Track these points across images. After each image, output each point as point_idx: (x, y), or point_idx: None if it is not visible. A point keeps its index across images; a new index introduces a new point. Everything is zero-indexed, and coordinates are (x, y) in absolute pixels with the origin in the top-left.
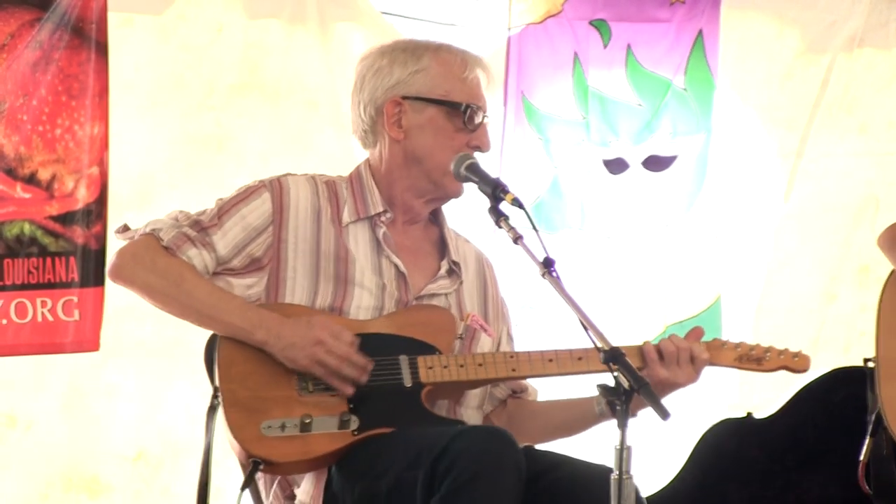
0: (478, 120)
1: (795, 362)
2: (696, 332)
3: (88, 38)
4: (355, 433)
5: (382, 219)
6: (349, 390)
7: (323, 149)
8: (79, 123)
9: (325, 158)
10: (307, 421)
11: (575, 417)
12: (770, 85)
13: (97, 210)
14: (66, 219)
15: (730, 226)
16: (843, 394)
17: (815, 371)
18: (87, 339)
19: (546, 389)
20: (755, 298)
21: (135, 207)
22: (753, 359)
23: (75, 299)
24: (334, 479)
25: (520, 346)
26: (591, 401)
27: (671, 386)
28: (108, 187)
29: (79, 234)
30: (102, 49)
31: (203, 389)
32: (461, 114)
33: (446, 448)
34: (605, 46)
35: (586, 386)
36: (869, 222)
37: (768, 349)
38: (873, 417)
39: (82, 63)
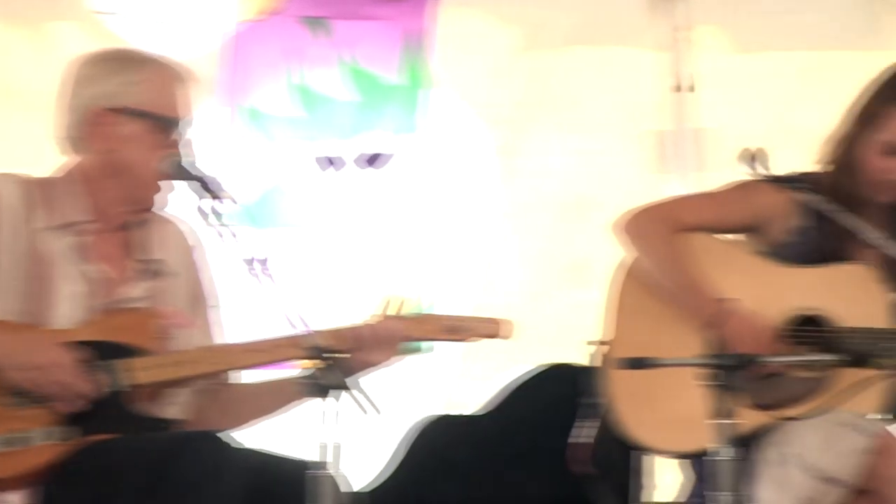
0: (186, 136)
1: (496, 328)
2: (395, 304)
3: None
4: (74, 441)
5: (84, 227)
6: (68, 410)
7: (40, 153)
8: None
9: (42, 163)
10: (25, 435)
11: (283, 399)
12: (487, 82)
13: None
14: None
15: (447, 224)
16: (554, 390)
17: (527, 367)
18: None
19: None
20: (473, 297)
21: None
22: (455, 329)
23: None
24: (50, 488)
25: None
26: (294, 381)
27: (378, 366)
28: None
29: None
30: None
31: None
32: (170, 129)
33: (166, 453)
34: (324, 44)
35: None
36: (582, 220)
37: (468, 318)
38: (597, 400)
39: None
